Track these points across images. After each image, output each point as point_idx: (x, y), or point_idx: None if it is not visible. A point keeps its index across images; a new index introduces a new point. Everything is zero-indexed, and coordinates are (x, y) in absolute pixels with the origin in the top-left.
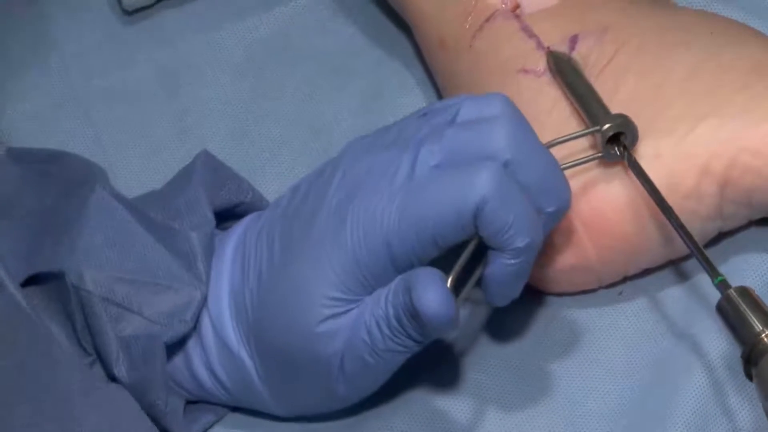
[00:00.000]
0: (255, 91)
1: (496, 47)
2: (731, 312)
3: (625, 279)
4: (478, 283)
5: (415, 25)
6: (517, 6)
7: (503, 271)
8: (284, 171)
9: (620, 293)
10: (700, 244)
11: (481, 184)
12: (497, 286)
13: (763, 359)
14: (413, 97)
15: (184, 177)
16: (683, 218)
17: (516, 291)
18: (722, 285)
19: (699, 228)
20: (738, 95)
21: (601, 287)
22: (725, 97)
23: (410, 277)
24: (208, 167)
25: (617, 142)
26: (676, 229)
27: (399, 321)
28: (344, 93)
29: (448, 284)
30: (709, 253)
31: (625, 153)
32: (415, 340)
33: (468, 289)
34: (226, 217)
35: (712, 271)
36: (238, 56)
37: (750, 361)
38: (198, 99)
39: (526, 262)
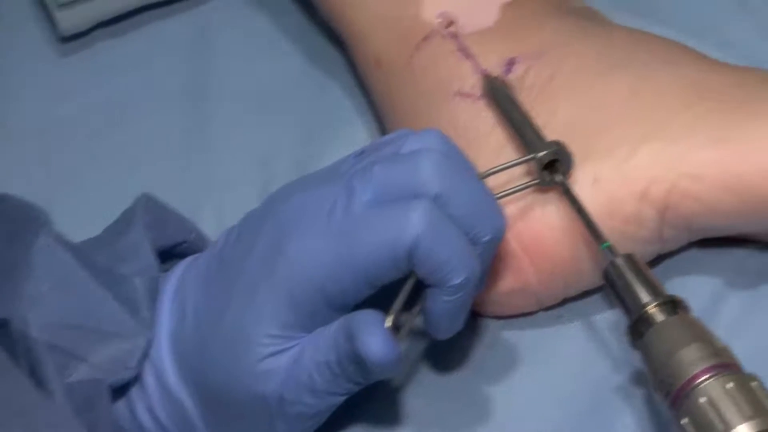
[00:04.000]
0: (194, 123)
1: (433, 68)
2: (617, 280)
3: (565, 301)
4: (420, 312)
5: (351, 43)
6: (452, 23)
7: (443, 307)
8: (226, 203)
9: (560, 317)
10: (643, 261)
11: (413, 224)
12: (439, 321)
13: (648, 331)
14: (354, 125)
15: (125, 221)
16: (623, 242)
17: (459, 324)
18: (609, 251)
19: (639, 251)
20: (677, 117)
21: (541, 309)
22: (664, 119)
23: (351, 322)
24: (149, 210)
25: (553, 168)
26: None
27: (341, 367)
28: (283, 124)
29: (390, 323)
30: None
31: (558, 179)
32: (357, 383)
33: (408, 326)
34: (168, 256)
35: (597, 236)
36: (176, 88)
37: (635, 332)
38: (138, 132)
39: (464, 297)
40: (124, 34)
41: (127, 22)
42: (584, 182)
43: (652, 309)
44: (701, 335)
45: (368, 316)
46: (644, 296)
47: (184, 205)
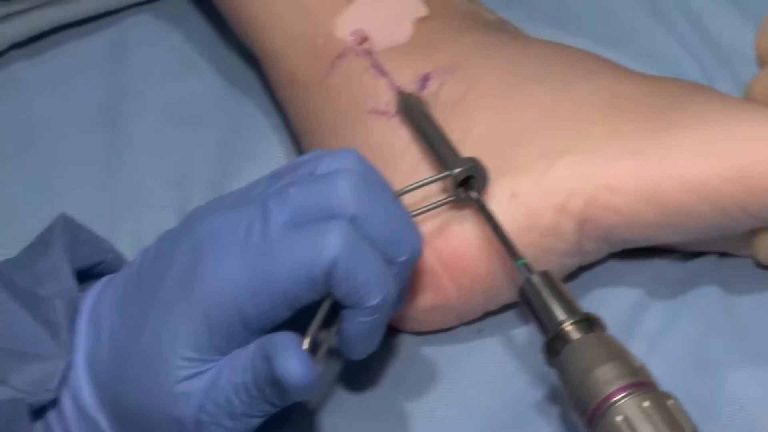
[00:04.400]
0: (110, 143)
1: (347, 85)
2: (533, 298)
3: (486, 315)
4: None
5: (265, 61)
6: (365, 40)
7: (359, 328)
8: (143, 223)
9: (480, 331)
10: (559, 278)
11: (331, 245)
12: (354, 342)
13: (564, 349)
14: (270, 143)
15: (43, 242)
16: (542, 256)
17: (374, 345)
18: (525, 268)
19: (558, 264)
20: (594, 130)
21: (461, 324)
22: (581, 132)
23: (268, 344)
24: (67, 231)
25: (469, 184)
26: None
27: (258, 388)
28: (199, 143)
29: (306, 345)
30: (569, 287)
31: (474, 196)
32: (274, 405)
33: (326, 347)
34: (86, 276)
35: (512, 253)
36: (91, 108)
37: (551, 350)
38: (55, 152)
39: (381, 317)
40: (40, 55)
41: (41, 43)
42: (502, 197)
43: (568, 327)
44: (617, 353)
45: (285, 338)
46: (560, 314)
47: (101, 226)
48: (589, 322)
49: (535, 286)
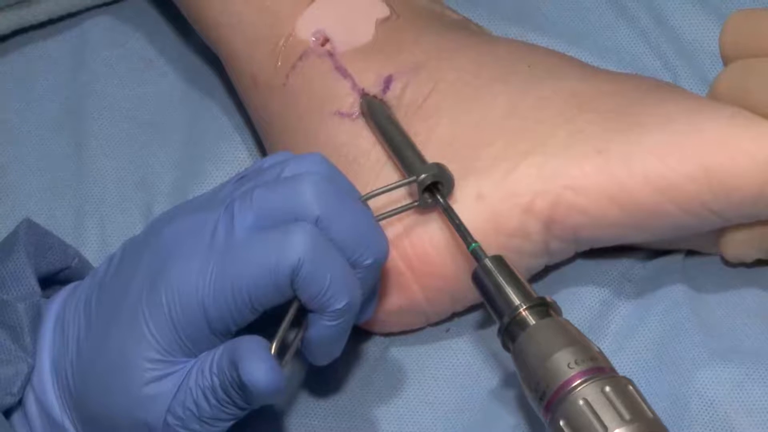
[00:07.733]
0: (73, 145)
1: (310, 87)
2: (487, 282)
3: (453, 316)
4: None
5: (227, 62)
6: (327, 41)
7: (324, 333)
8: (108, 225)
9: (447, 330)
10: (525, 278)
11: (295, 247)
12: (319, 347)
13: (522, 334)
14: (233, 143)
15: (7, 246)
16: (510, 257)
17: (338, 350)
18: (477, 252)
19: (525, 265)
20: (559, 131)
21: (429, 325)
22: (546, 133)
23: (235, 349)
24: (31, 236)
25: (434, 189)
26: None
27: (226, 392)
28: (163, 144)
29: (273, 351)
30: (537, 287)
31: (438, 200)
32: (242, 408)
33: (292, 352)
34: (51, 282)
35: (466, 237)
36: (54, 110)
37: (508, 335)
38: (16, 155)
39: (346, 321)
40: (1, 57)
41: (2, 45)
42: (467, 198)
43: (525, 311)
44: (575, 339)
45: (252, 343)
46: (515, 298)
47: (66, 227)
48: (544, 307)
49: (488, 270)
